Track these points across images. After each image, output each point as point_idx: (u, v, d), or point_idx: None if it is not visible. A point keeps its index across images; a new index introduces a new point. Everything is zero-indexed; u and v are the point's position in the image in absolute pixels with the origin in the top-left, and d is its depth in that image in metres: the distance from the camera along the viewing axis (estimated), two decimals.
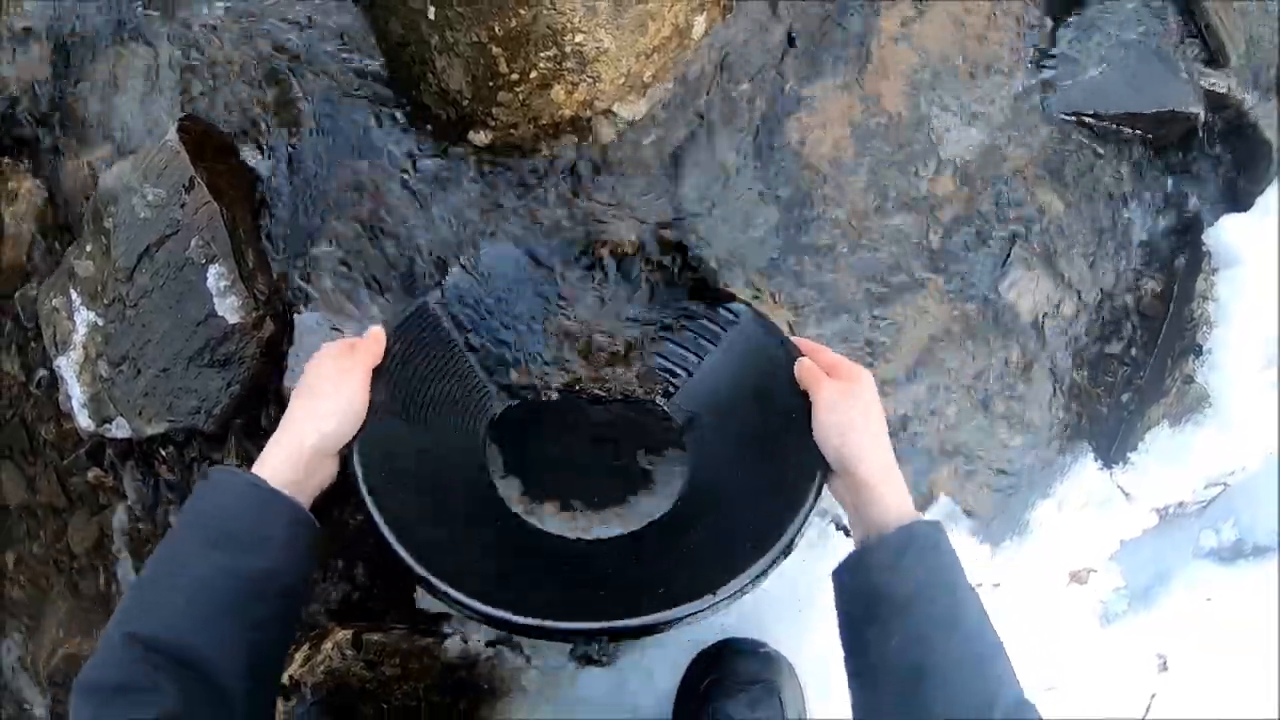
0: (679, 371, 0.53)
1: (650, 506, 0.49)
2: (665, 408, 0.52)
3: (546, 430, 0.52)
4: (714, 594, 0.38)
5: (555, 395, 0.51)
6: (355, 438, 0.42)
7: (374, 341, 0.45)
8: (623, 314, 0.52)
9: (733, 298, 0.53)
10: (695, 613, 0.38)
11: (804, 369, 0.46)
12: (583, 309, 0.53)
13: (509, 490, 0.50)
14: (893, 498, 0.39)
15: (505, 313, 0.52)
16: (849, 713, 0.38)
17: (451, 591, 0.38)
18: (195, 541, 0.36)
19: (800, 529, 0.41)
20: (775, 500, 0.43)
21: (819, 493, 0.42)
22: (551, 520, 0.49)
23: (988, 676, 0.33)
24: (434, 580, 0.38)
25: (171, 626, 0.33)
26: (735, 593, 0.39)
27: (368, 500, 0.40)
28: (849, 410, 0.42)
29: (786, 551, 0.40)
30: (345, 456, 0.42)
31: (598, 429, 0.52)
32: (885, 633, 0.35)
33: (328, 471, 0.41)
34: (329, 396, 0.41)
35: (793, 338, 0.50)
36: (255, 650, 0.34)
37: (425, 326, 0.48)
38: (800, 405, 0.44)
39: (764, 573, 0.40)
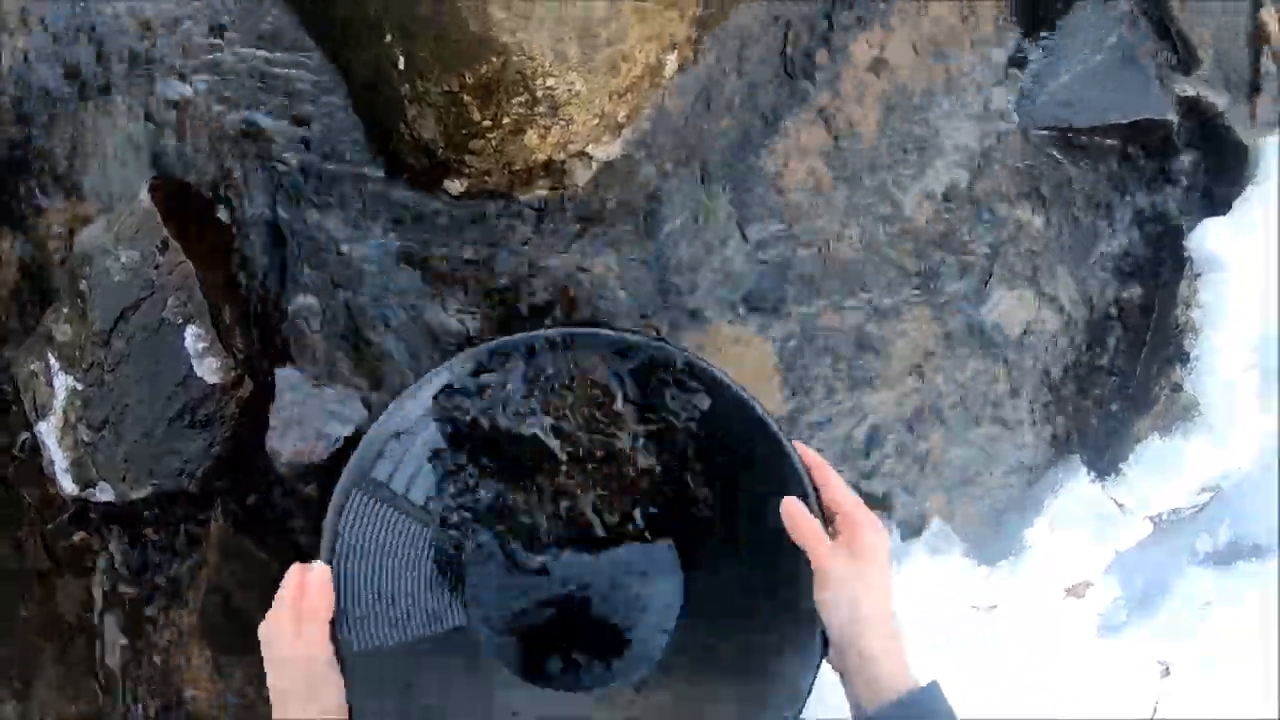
0: (667, 482, 0.47)
1: (652, 642, 0.46)
2: (649, 533, 0.47)
3: (529, 573, 0.48)
4: None
5: (539, 553, 0.47)
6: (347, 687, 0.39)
7: (318, 595, 0.40)
8: (599, 416, 0.46)
9: (706, 371, 0.44)
10: None
11: (799, 525, 0.40)
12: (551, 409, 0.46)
13: (500, 650, 0.46)
14: (891, 672, 0.38)
15: (445, 454, 0.46)
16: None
17: None
18: None
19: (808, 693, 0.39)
20: (775, 658, 0.41)
21: (819, 665, 0.40)
22: (554, 677, 0.46)
23: None
24: None
25: None
26: None
27: None
28: (863, 590, 0.38)
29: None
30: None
31: (586, 562, 0.48)
32: None
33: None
34: (303, 694, 0.38)
35: (799, 445, 0.43)
36: None
37: (361, 514, 0.43)
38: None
39: None
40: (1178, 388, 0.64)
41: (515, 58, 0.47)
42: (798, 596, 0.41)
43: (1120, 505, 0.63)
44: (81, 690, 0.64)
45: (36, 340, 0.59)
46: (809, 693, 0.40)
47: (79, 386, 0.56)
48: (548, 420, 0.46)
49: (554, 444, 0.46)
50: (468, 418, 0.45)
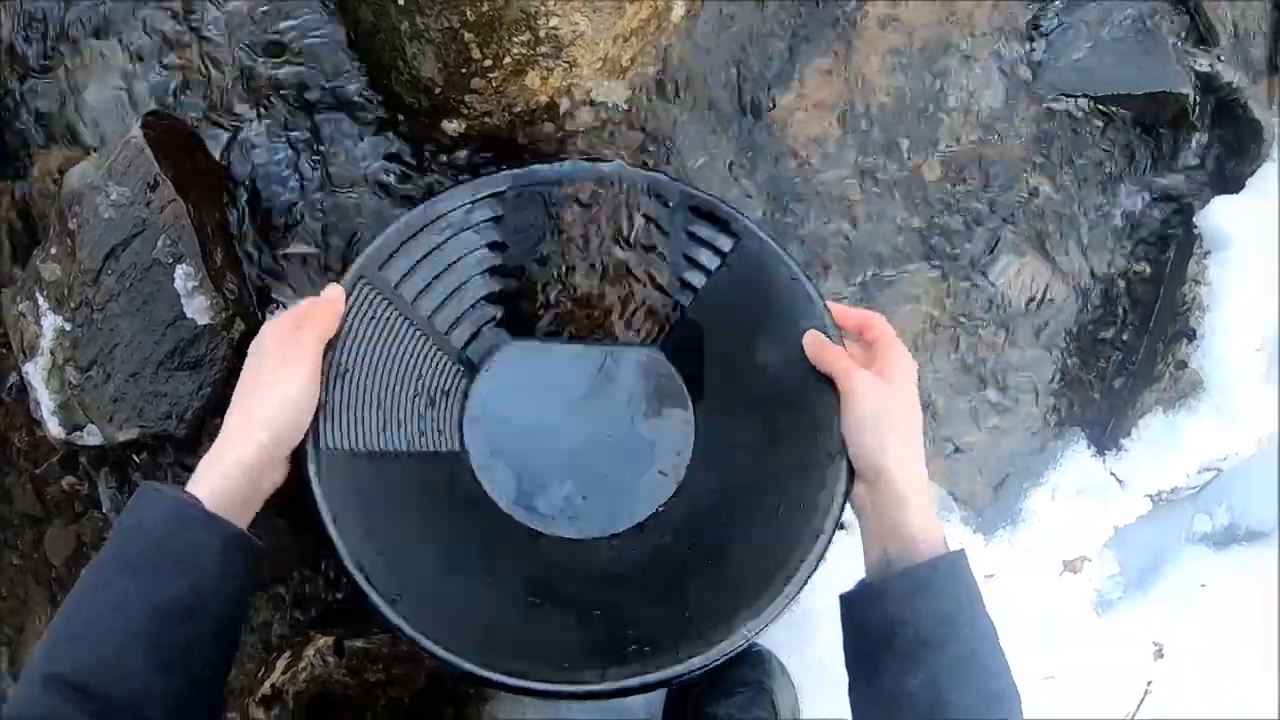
0: (681, 303, 0.45)
1: (656, 487, 0.43)
2: (661, 354, 0.45)
3: (531, 398, 0.44)
4: (747, 630, 0.34)
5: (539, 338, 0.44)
6: (309, 434, 0.36)
7: (327, 307, 0.38)
8: (611, 235, 0.44)
9: (735, 216, 0.44)
10: (732, 650, 0.34)
11: (824, 352, 0.39)
12: (565, 231, 0.44)
13: (494, 482, 0.42)
14: (923, 520, 0.35)
15: (462, 264, 0.44)
16: (844, 713, 0.37)
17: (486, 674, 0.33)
18: (117, 567, 0.32)
19: (831, 537, 0.36)
20: (799, 487, 0.38)
21: (848, 494, 0.37)
22: (548, 517, 0.42)
23: (1004, 711, 0.32)
24: (445, 655, 0.33)
25: (90, 662, 0.30)
26: (769, 622, 0.35)
27: (341, 551, 0.35)
28: (890, 410, 0.36)
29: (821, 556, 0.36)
30: (300, 458, 0.37)
31: (590, 388, 0.45)
32: (903, 664, 0.32)
33: (276, 476, 0.37)
34: (272, 387, 0.35)
35: (828, 302, 0.42)
36: (182, 684, 0.31)
37: (365, 312, 0.40)
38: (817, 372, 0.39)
39: (802, 585, 0.35)
40: (1183, 365, 0.63)
41: None
42: (819, 458, 0.38)
43: (1120, 480, 0.62)
44: None
45: (26, 280, 0.58)
46: (829, 539, 0.36)
47: (67, 327, 0.55)
48: (573, 245, 0.44)
49: (577, 267, 0.44)
50: (491, 235, 0.43)
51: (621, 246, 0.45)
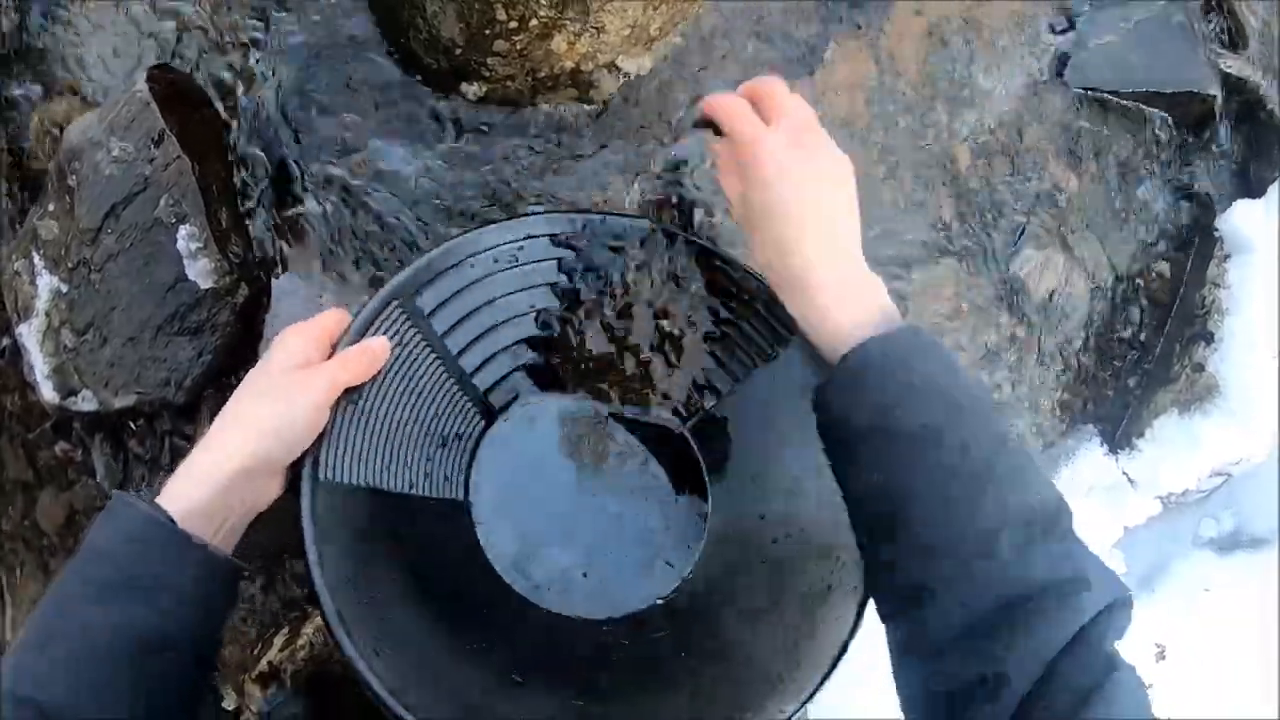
0: (715, 392, 0.42)
1: (660, 578, 0.40)
2: (688, 435, 0.42)
3: (545, 458, 0.42)
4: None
5: (560, 401, 0.42)
6: (308, 462, 0.33)
7: (366, 360, 0.35)
8: (662, 306, 0.42)
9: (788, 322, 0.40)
10: None
11: (725, 109, 0.35)
12: (600, 292, 0.42)
13: (492, 539, 0.40)
14: (846, 313, 0.32)
15: (499, 304, 0.41)
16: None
17: None
18: (87, 587, 0.30)
19: (830, 675, 0.34)
20: (806, 614, 0.36)
21: (855, 629, 0.34)
22: (541, 587, 0.39)
23: (983, 486, 0.28)
24: None
25: (57, 691, 0.28)
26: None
27: (324, 601, 0.32)
28: (779, 198, 0.33)
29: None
30: (296, 476, 0.34)
31: (609, 458, 0.42)
32: (856, 462, 0.31)
33: (265, 493, 0.34)
34: (274, 406, 0.33)
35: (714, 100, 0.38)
36: (153, 713, 0.29)
37: (390, 335, 0.38)
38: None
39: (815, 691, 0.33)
40: (1200, 368, 0.63)
41: None
42: (834, 586, 0.36)
43: (1132, 481, 0.62)
44: None
45: (22, 239, 0.56)
46: (828, 676, 0.34)
47: (63, 288, 0.53)
48: (625, 307, 0.42)
49: (623, 330, 0.42)
50: (539, 279, 0.41)
51: (672, 319, 0.42)
